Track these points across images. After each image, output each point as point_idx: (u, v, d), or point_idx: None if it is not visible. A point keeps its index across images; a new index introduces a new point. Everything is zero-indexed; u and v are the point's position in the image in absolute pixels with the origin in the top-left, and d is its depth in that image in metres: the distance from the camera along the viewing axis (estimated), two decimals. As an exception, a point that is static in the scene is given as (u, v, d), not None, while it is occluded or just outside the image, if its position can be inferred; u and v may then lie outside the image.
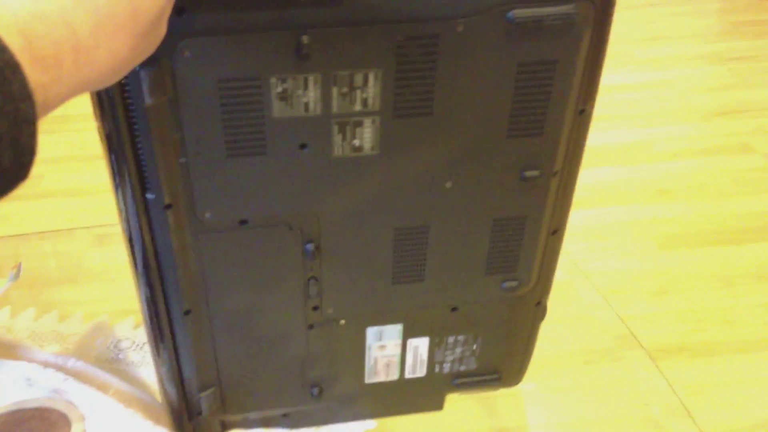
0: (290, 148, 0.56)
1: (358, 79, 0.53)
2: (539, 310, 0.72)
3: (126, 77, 0.50)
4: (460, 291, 0.68)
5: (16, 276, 0.86)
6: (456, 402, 0.80)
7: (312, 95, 0.53)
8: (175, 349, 0.67)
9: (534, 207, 0.63)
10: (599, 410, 0.83)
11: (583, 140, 0.61)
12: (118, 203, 0.58)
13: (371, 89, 0.54)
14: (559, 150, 0.60)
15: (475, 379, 0.76)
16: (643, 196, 1.53)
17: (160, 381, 0.70)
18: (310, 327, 0.68)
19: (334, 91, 0.53)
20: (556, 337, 0.92)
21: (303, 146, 0.56)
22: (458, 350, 0.73)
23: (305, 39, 0.50)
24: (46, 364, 0.80)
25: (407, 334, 0.71)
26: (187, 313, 0.64)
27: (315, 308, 0.66)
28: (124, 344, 0.88)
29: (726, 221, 1.40)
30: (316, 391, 0.73)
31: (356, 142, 0.56)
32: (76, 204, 1.61)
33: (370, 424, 0.78)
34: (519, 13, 0.52)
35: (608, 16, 0.54)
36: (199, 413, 0.71)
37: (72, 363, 0.81)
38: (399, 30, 0.51)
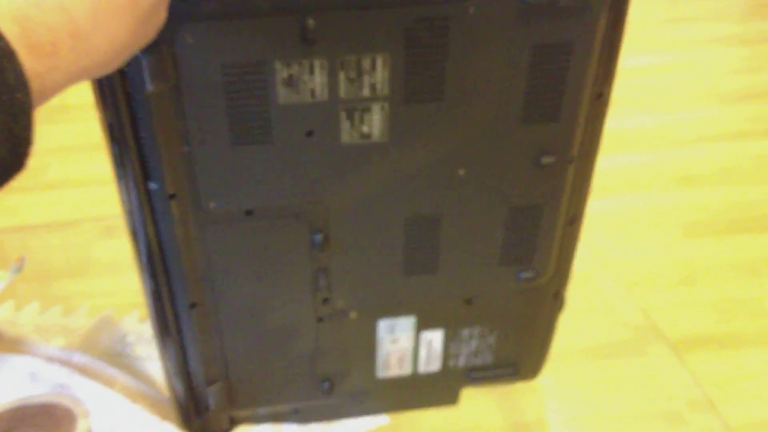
0: (297, 135, 0.56)
1: (366, 63, 0.53)
2: (557, 301, 0.72)
3: (127, 64, 0.50)
4: (475, 282, 0.68)
5: (20, 269, 0.86)
6: (472, 396, 0.80)
7: (318, 81, 0.53)
8: (182, 343, 0.67)
9: (550, 195, 0.63)
10: (621, 404, 0.83)
11: (601, 126, 0.61)
12: (121, 194, 0.59)
13: (380, 74, 0.53)
14: (576, 136, 0.59)
15: (491, 372, 0.76)
16: (666, 183, 1.52)
17: (167, 375, 0.71)
18: (320, 320, 0.68)
19: (341, 76, 0.53)
20: (576, 330, 0.91)
21: (310, 133, 0.56)
22: (473, 343, 0.73)
23: (311, 23, 0.50)
24: (51, 359, 0.80)
25: (420, 327, 0.71)
26: (193, 306, 0.64)
27: (324, 301, 0.66)
28: (130, 338, 0.88)
29: (753, 208, 1.39)
30: (326, 385, 0.73)
31: (365, 129, 0.56)
32: (83, 195, 1.62)
33: (383, 419, 0.78)
34: None
35: (626, -4, 0.54)
36: (207, 408, 0.72)
37: (77, 358, 0.81)
38: (408, 13, 0.51)
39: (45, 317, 0.92)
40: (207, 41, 0.50)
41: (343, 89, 0.54)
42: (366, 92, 0.54)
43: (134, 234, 0.60)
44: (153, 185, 0.57)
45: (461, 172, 0.60)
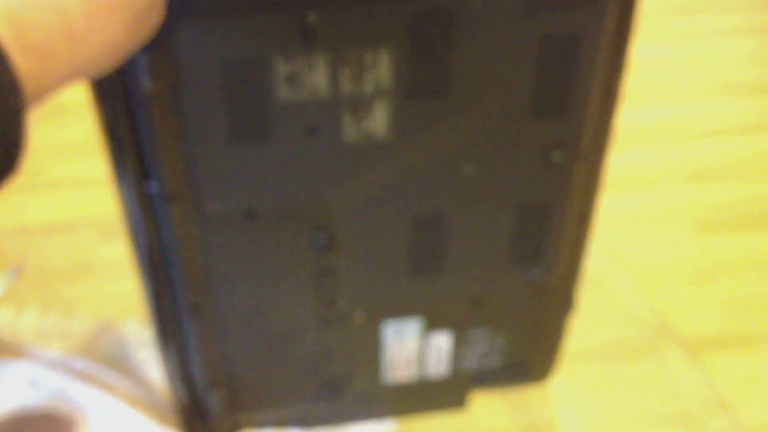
0: (298, 132, 0.55)
1: (369, 59, 0.52)
2: (568, 301, 0.71)
3: (125, 62, 0.50)
4: (483, 282, 0.67)
5: (20, 272, 0.86)
6: (481, 399, 0.79)
7: (320, 77, 0.53)
8: (183, 348, 0.67)
9: (560, 192, 0.62)
10: (633, 406, 0.82)
11: (612, 120, 0.60)
12: (119, 195, 0.58)
13: (383, 70, 0.53)
14: (586, 131, 0.59)
15: (501, 374, 0.75)
16: (679, 179, 1.51)
17: (169, 380, 0.71)
18: (324, 322, 0.67)
19: (344, 71, 0.53)
20: (588, 330, 0.91)
21: (312, 131, 0.55)
22: (482, 345, 0.72)
23: (312, 18, 0.50)
24: (51, 364, 0.80)
25: (427, 329, 0.70)
26: (194, 309, 0.64)
27: (329, 302, 0.66)
28: (131, 343, 0.88)
29: (769, 203, 1.38)
30: (332, 389, 0.72)
31: (368, 126, 0.56)
32: (84, 196, 1.62)
33: (391, 423, 0.78)
34: None
35: (637, -14, 0.53)
36: (209, 413, 0.71)
37: (77, 363, 0.82)
38: (411, 6, 0.51)
39: (45, 321, 0.92)
40: (206, 38, 0.50)
41: (345, 85, 0.54)
42: (369, 88, 0.54)
43: (133, 236, 0.60)
44: (152, 185, 0.57)
45: (468, 169, 0.59)
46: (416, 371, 0.74)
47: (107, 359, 0.85)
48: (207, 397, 0.70)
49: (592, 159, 0.61)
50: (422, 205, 0.61)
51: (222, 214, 0.59)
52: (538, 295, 0.70)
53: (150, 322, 0.66)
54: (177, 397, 0.71)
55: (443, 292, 0.67)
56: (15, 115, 0.34)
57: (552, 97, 0.56)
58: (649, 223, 1.31)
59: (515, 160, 0.60)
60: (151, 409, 0.77)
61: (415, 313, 0.69)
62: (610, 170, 0.64)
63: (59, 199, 1.62)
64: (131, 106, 0.53)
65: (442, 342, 0.72)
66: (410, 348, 0.71)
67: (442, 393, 0.76)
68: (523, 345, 0.73)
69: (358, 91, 0.54)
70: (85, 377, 0.79)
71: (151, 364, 0.85)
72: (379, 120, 0.56)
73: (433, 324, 0.70)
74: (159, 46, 0.50)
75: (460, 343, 0.72)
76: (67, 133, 1.74)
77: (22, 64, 0.34)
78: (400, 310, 0.68)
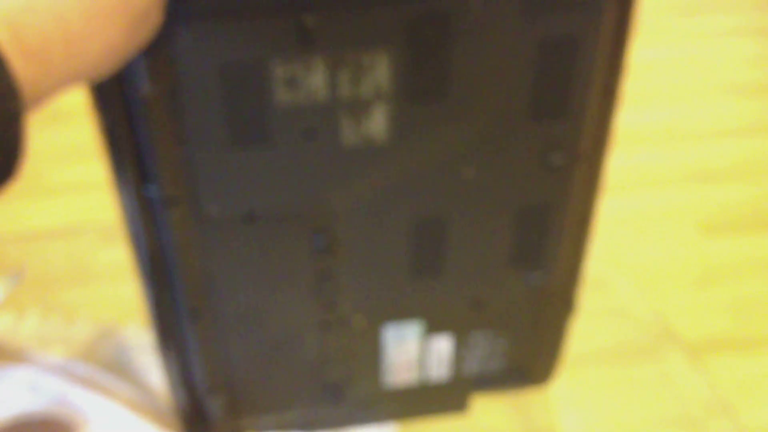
0: (297, 136, 0.56)
1: (367, 62, 0.53)
2: (569, 304, 0.71)
3: (123, 66, 0.50)
4: (483, 285, 0.67)
5: (20, 277, 0.87)
6: (482, 403, 0.80)
7: (318, 80, 0.53)
8: (184, 352, 0.67)
9: (560, 194, 0.62)
10: (635, 409, 0.82)
11: (612, 122, 0.60)
12: (118, 199, 0.59)
13: (381, 73, 0.53)
14: (585, 132, 0.59)
15: (501, 378, 0.75)
16: (681, 180, 1.51)
17: (169, 385, 0.71)
18: (324, 325, 0.68)
19: (342, 75, 0.53)
20: (589, 333, 0.91)
21: (310, 134, 0.56)
22: (482, 348, 0.73)
23: (309, 21, 0.50)
24: (51, 369, 0.81)
25: (428, 332, 0.70)
26: (194, 313, 0.64)
27: (329, 305, 0.66)
28: (132, 348, 0.88)
29: (772, 205, 1.38)
30: (332, 392, 0.73)
31: (367, 129, 0.56)
32: (83, 201, 1.62)
33: (391, 427, 0.78)
34: None
35: (635, -12, 0.54)
36: (211, 418, 0.72)
37: (78, 368, 0.82)
38: (409, 9, 0.51)
39: (46, 326, 0.93)
40: (204, 41, 0.50)
41: (343, 88, 0.54)
42: (367, 91, 0.54)
43: (133, 240, 0.60)
44: (151, 190, 0.57)
45: (467, 171, 0.60)
46: (417, 375, 0.74)
47: (108, 364, 0.86)
48: (208, 401, 0.71)
49: (592, 161, 0.62)
50: (422, 208, 0.61)
51: (221, 217, 0.59)
52: (539, 298, 0.70)
53: (150, 326, 0.66)
54: (178, 402, 0.71)
55: (444, 295, 0.67)
56: (14, 119, 0.34)
57: (551, 99, 0.57)
58: (651, 225, 1.31)
59: (515, 162, 0.60)
60: (153, 414, 0.77)
61: (415, 316, 0.69)
62: (612, 172, 0.64)
63: (59, 204, 1.62)
64: (130, 110, 0.53)
65: (442, 345, 0.72)
66: (411, 351, 0.72)
67: (443, 396, 0.76)
68: (524, 348, 0.74)
69: (357, 94, 0.54)
70: (85, 382, 0.79)
71: (152, 368, 0.85)
72: (377, 123, 0.56)
73: (433, 327, 0.70)
74: (157, 50, 0.50)
75: (460, 346, 0.72)
76: (67, 138, 1.75)
77: (21, 68, 0.35)
78: (401, 313, 0.69)
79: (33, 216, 1.55)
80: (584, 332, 0.82)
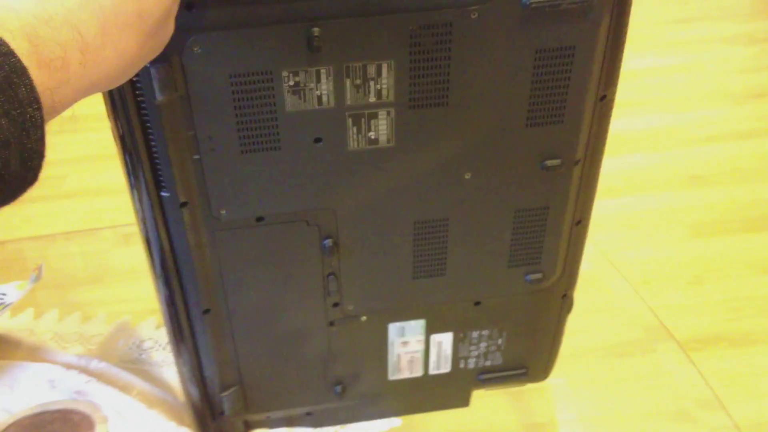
0: (304, 142, 0.56)
1: (372, 70, 0.53)
2: (565, 302, 0.71)
3: (137, 75, 0.50)
4: (483, 285, 0.68)
5: (38, 278, 0.87)
6: (483, 398, 0.80)
7: (325, 88, 0.53)
8: (196, 349, 0.67)
9: (556, 197, 0.62)
10: (630, 404, 0.82)
11: (606, 128, 0.60)
12: (134, 203, 0.59)
13: (385, 80, 0.53)
14: (581, 138, 0.59)
15: (501, 374, 0.75)
16: (675, 183, 1.51)
17: (183, 381, 0.71)
18: (331, 324, 0.68)
19: (348, 83, 0.53)
20: (585, 330, 0.91)
21: (317, 140, 0.56)
22: (483, 345, 0.73)
23: (316, 31, 0.50)
24: (69, 366, 0.81)
25: (430, 330, 0.71)
26: (206, 312, 0.64)
27: (335, 305, 0.66)
28: (146, 344, 0.89)
29: (763, 206, 1.38)
30: (339, 388, 0.73)
31: (371, 135, 0.56)
32: (101, 203, 1.63)
33: (396, 421, 0.78)
34: None
35: (627, -1, 0.54)
36: (222, 413, 0.72)
37: (95, 364, 0.82)
38: (411, 19, 0.51)
39: (63, 325, 0.93)
40: (214, 51, 0.51)
41: (349, 96, 0.54)
42: (372, 98, 0.54)
43: (148, 242, 0.61)
44: (165, 194, 0.57)
45: (467, 175, 0.60)
46: (420, 371, 0.74)
47: (123, 360, 0.86)
48: (220, 397, 0.71)
49: (588, 164, 0.62)
50: (424, 211, 0.62)
51: (232, 220, 0.59)
52: (537, 297, 0.70)
53: (164, 324, 0.66)
54: (191, 398, 0.72)
55: (445, 294, 0.68)
56: (35, 126, 0.34)
57: (548, 106, 0.57)
58: (645, 226, 1.31)
59: (513, 166, 0.60)
60: (167, 409, 0.77)
61: (418, 314, 0.69)
62: (608, 174, 0.64)
63: (76, 208, 1.63)
64: (144, 117, 0.53)
65: (444, 343, 0.72)
66: (414, 349, 0.72)
67: (445, 392, 0.76)
68: (522, 345, 0.74)
69: (362, 101, 0.54)
70: (102, 377, 0.80)
71: (166, 365, 0.85)
72: (381, 129, 0.56)
73: (435, 325, 0.70)
74: (169, 59, 0.50)
75: (461, 343, 0.72)
76: (84, 143, 1.75)
77: (39, 78, 0.35)
78: (404, 312, 0.69)
79: (51, 218, 1.56)
80: (581, 330, 0.82)
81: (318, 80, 0.53)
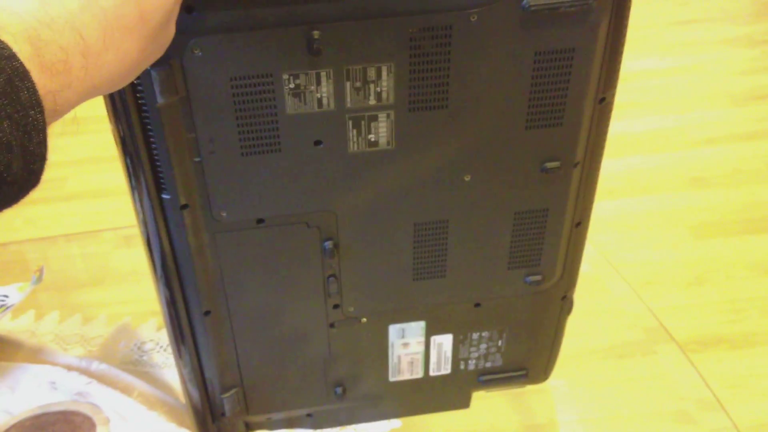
0: (305, 144, 0.56)
1: (372, 73, 0.53)
2: (565, 304, 0.72)
3: (138, 78, 0.50)
4: (483, 286, 0.68)
5: (39, 279, 0.87)
6: (484, 399, 0.80)
7: (325, 91, 0.53)
8: (197, 351, 0.67)
9: (556, 199, 0.63)
10: (631, 405, 0.82)
11: (605, 130, 0.61)
12: (134, 205, 0.59)
13: (385, 83, 0.54)
14: (580, 140, 0.59)
15: (501, 375, 0.76)
16: (675, 185, 1.51)
17: (183, 383, 0.71)
18: (332, 326, 0.68)
19: (348, 85, 0.53)
20: (585, 332, 0.91)
21: (318, 143, 0.56)
22: (483, 347, 0.73)
23: (316, 34, 0.50)
24: (70, 368, 0.81)
25: (430, 331, 0.71)
26: (206, 313, 0.64)
27: (335, 306, 0.67)
28: (147, 346, 0.89)
29: (763, 208, 1.38)
30: (339, 390, 0.73)
31: (371, 137, 0.56)
32: (102, 205, 1.63)
33: (396, 423, 0.78)
34: (534, 0, 0.51)
35: (626, 1, 0.54)
36: (223, 414, 0.72)
37: (96, 366, 0.82)
38: (411, 22, 0.51)
39: (64, 326, 0.93)
40: (215, 54, 0.51)
41: (349, 98, 0.54)
42: (372, 101, 0.55)
43: (148, 243, 0.61)
44: (165, 196, 0.57)
45: (467, 177, 0.60)
46: (420, 372, 0.74)
47: (124, 362, 0.86)
48: (220, 399, 0.71)
49: (587, 166, 0.62)
50: (424, 213, 0.62)
51: (233, 222, 0.59)
52: (537, 298, 0.70)
53: (165, 326, 0.67)
54: (191, 400, 0.72)
55: (445, 296, 0.68)
56: (37, 129, 0.35)
57: (547, 108, 0.57)
58: (645, 228, 1.31)
59: (513, 168, 0.60)
60: (168, 410, 0.77)
61: (418, 316, 0.69)
62: (609, 176, 0.64)
63: (77, 210, 1.63)
64: (145, 120, 0.53)
65: (444, 344, 0.72)
66: (414, 350, 0.72)
67: (446, 393, 0.77)
68: (522, 346, 0.74)
69: (362, 104, 0.55)
70: (103, 379, 0.80)
71: (167, 367, 0.85)
72: (381, 131, 0.56)
73: (435, 327, 0.70)
74: (170, 62, 0.50)
75: (461, 345, 0.72)
76: (85, 145, 1.75)
77: (41, 81, 0.35)
78: (404, 313, 0.69)
79: (52, 220, 1.56)
80: (581, 331, 0.82)
81: (318, 83, 0.53)
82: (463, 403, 0.78)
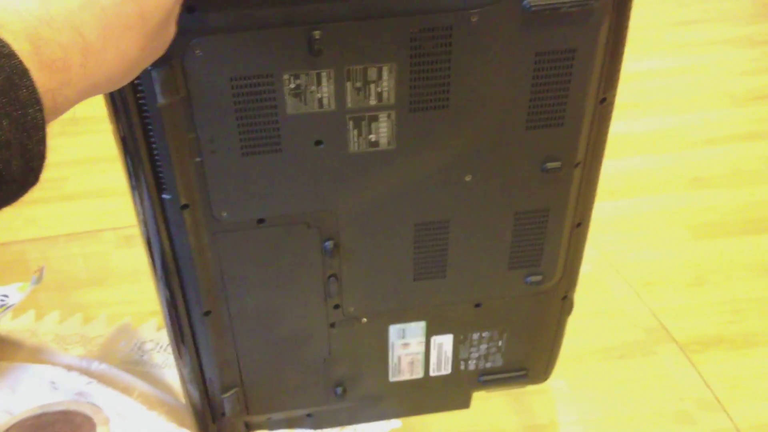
0: (305, 144, 0.56)
1: (372, 73, 0.53)
2: (566, 304, 0.72)
3: (138, 77, 0.50)
4: (484, 286, 0.68)
5: (39, 279, 0.87)
6: (484, 399, 0.80)
7: (326, 91, 0.53)
8: (197, 351, 0.67)
9: (556, 199, 0.63)
10: (631, 405, 0.82)
11: (606, 130, 0.60)
12: (135, 205, 0.59)
13: (385, 83, 0.54)
14: (581, 141, 0.59)
15: (502, 376, 0.75)
16: (676, 185, 1.51)
17: (183, 383, 0.71)
18: (332, 326, 0.68)
19: (348, 86, 0.53)
20: (586, 332, 0.91)
21: (318, 143, 0.56)
22: (483, 347, 0.73)
23: (317, 34, 0.50)
24: (70, 368, 0.81)
25: (431, 332, 0.71)
26: (207, 313, 0.64)
27: (336, 307, 0.67)
28: (148, 346, 0.89)
29: (763, 208, 1.38)
30: (339, 390, 0.73)
31: (372, 137, 0.56)
32: (102, 205, 1.63)
33: (396, 423, 0.78)
34: (535, 1, 0.51)
35: (627, 2, 0.54)
36: (223, 414, 0.72)
37: (96, 366, 0.82)
38: (412, 22, 0.51)
39: (64, 326, 0.93)
40: (216, 54, 0.51)
41: (350, 99, 0.54)
42: (373, 101, 0.55)
43: (149, 243, 0.61)
44: (166, 196, 0.57)
45: (468, 178, 0.60)
46: (420, 373, 0.74)
47: (124, 362, 0.86)
48: (220, 399, 0.71)
49: (588, 167, 0.62)
50: (425, 213, 0.62)
51: (233, 222, 0.59)
52: (537, 299, 0.70)
53: (165, 326, 0.66)
54: (191, 400, 0.72)
55: (445, 296, 0.68)
56: (36, 127, 0.35)
57: (548, 109, 0.57)
58: (645, 228, 1.31)
59: (513, 169, 0.60)
60: (168, 410, 0.77)
61: (418, 316, 0.69)
62: (610, 176, 0.64)
63: (78, 210, 1.63)
64: (146, 120, 0.53)
65: (444, 344, 0.72)
66: (414, 350, 0.72)
67: (446, 394, 0.77)
68: (522, 347, 0.74)
69: (363, 104, 0.55)
70: (103, 379, 0.80)
71: (167, 366, 0.85)
72: (382, 131, 0.56)
73: (436, 327, 0.70)
74: (171, 62, 0.50)
75: (462, 345, 0.72)
76: (85, 145, 1.75)
77: (41, 79, 0.35)
78: (405, 313, 0.69)
79: (52, 220, 1.56)
80: (582, 332, 0.82)
81: (319, 83, 0.53)
82: (464, 403, 0.78)
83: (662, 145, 1.66)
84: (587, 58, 0.55)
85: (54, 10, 0.36)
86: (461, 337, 0.72)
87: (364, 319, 0.68)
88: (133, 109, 0.53)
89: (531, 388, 0.80)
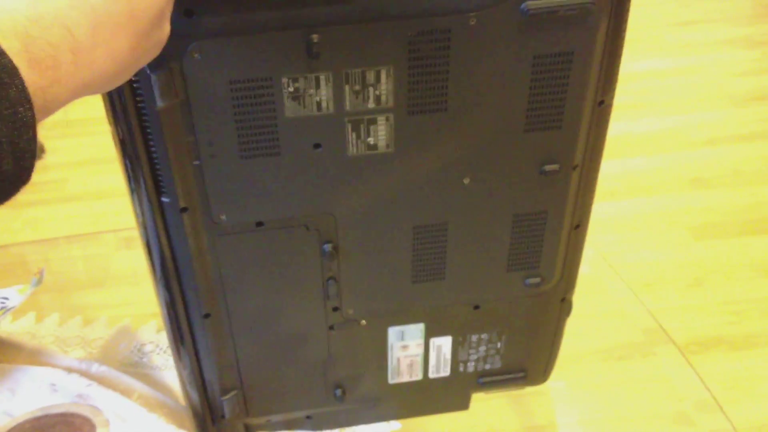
0: (304, 147, 0.56)
1: (371, 76, 0.53)
2: (564, 306, 0.72)
3: (137, 80, 0.51)
4: (482, 289, 0.68)
5: (39, 281, 0.87)
6: (483, 401, 0.80)
7: (324, 94, 0.53)
8: (196, 353, 0.67)
9: (555, 202, 0.63)
10: (630, 406, 0.82)
11: (604, 133, 0.61)
12: (134, 208, 0.59)
13: (384, 86, 0.54)
14: (579, 143, 0.59)
15: (501, 377, 0.76)
16: (676, 186, 1.52)
17: (183, 385, 0.71)
18: (331, 328, 0.68)
19: (347, 89, 0.54)
20: (585, 334, 0.91)
21: (317, 146, 0.56)
22: (482, 349, 0.73)
23: (315, 37, 0.51)
24: (70, 370, 0.81)
25: (429, 334, 0.71)
26: (206, 316, 0.65)
27: (335, 309, 0.67)
28: (147, 348, 0.89)
29: (763, 209, 1.38)
30: (339, 392, 0.73)
31: (370, 140, 0.56)
32: (102, 207, 1.63)
33: (395, 425, 0.79)
34: (532, 4, 0.51)
35: (625, 4, 0.54)
36: (223, 416, 0.72)
37: (96, 368, 0.82)
38: (410, 25, 0.51)
39: (64, 328, 0.93)
40: (214, 58, 0.51)
41: (348, 102, 0.54)
42: (371, 104, 0.55)
43: (148, 246, 0.61)
44: (165, 199, 0.57)
45: (466, 180, 0.60)
46: (420, 374, 0.74)
47: (124, 364, 0.86)
48: (220, 401, 0.71)
49: (586, 169, 0.62)
50: (423, 215, 0.62)
51: (232, 225, 0.60)
52: (536, 300, 0.70)
53: (165, 328, 0.67)
54: (191, 402, 0.72)
55: (444, 298, 0.68)
56: (26, 126, 0.34)
57: (546, 111, 0.57)
58: (645, 229, 1.32)
59: (512, 171, 0.60)
60: (167, 413, 0.78)
61: (417, 318, 0.69)
62: (610, 177, 0.64)
63: (78, 212, 1.63)
64: (144, 123, 0.53)
65: (443, 346, 0.72)
66: (413, 352, 0.72)
67: (445, 395, 0.77)
68: (521, 348, 0.74)
69: (361, 107, 0.55)
70: (103, 381, 0.80)
71: (167, 369, 0.85)
72: (380, 134, 0.56)
73: (435, 329, 0.71)
74: (169, 66, 0.50)
75: (461, 347, 0.72)
76: (85, 147, 1.76)
77: (30, 77, 0.35)
78: (403, 316, 0.69)
79: (52, 222, 1.56)
80: (580, 333, 0.82)
81: (317, 86, 0.53)
82: (463, 404, 0.78)
83: (662, 145, 1.66)
84: (585, 61, 0.55)
85: (43, 9, 0.36)
86: (460, 338, 0.72)
87: (363, 321, 0.69)
88: (132, 112, 0.53)
89: (530, 390, 0.80)
